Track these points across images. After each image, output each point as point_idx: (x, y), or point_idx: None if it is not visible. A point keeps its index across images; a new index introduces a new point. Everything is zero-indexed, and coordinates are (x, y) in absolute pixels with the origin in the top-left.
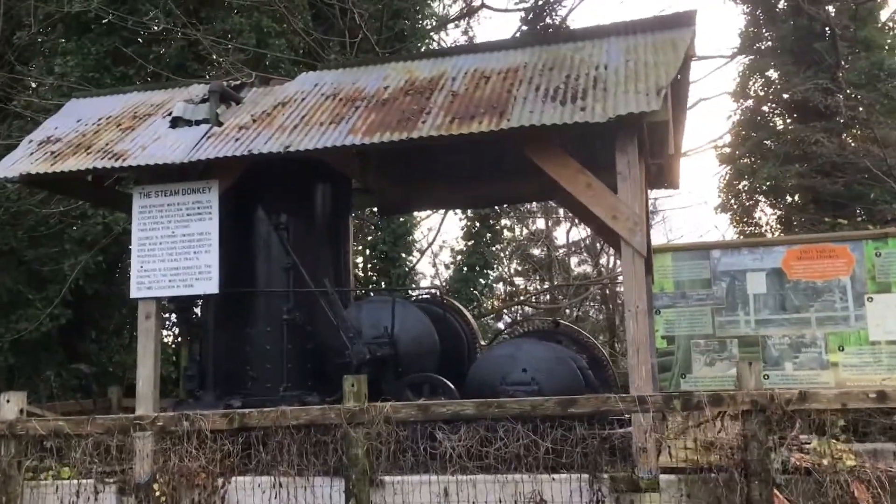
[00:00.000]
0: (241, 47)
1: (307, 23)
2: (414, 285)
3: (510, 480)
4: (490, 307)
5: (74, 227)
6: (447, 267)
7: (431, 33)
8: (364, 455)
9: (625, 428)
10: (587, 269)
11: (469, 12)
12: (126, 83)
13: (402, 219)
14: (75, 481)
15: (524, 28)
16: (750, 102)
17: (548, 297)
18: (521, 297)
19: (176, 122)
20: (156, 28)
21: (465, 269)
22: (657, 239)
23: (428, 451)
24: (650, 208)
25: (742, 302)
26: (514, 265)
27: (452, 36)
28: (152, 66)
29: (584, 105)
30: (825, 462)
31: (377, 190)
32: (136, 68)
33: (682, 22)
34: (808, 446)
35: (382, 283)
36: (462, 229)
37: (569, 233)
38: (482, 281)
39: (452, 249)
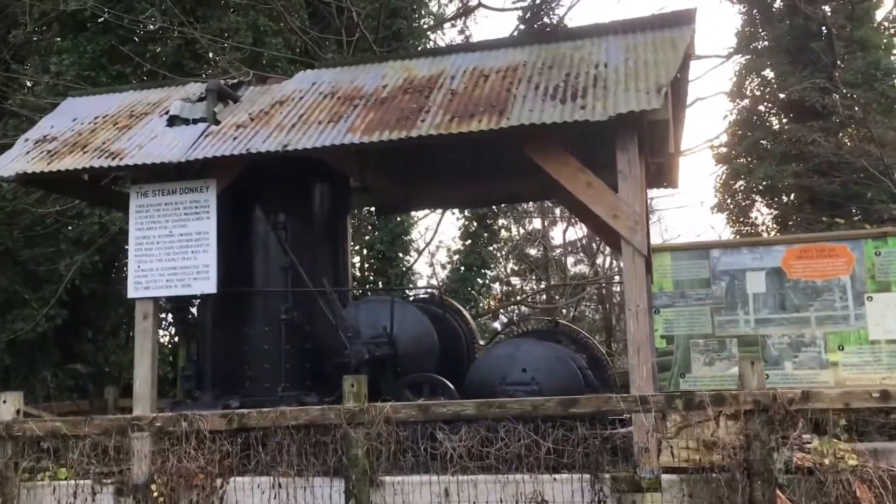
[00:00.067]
0: (237, 46)
1: (304, 21)
2: (411, 285)
3: (511, 481)
4: (487, 307)
5: (71, 227)
6: (444, 267)
7: (428, 32)
8: (364, 455)
9: (625, 427)
10: (584, 268)
11: (466, 12)
12: (122, 82)
13: (399, 218)
14: (72, 482)
15: (522, 27)
16: (746, 102)
17: (544, 296)
18: (518, 297)
19: (173, 121)
20: (152, 26)
21: (463, 268)
22: (653, 239)
23: (428, 452)
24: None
25: (741, 301)
26: (510, 265)
27: (449, 35)
28: (149, 65)
29: (585, 103)
30: (827, 462)
31: (376, 189)
32: (132, 67)
33: (682, 20)
34: (809, 446)
35: (380, 283)
36: (459, 229)
37: (565, 232)
38: (479, 281)
39: (449, 249)
